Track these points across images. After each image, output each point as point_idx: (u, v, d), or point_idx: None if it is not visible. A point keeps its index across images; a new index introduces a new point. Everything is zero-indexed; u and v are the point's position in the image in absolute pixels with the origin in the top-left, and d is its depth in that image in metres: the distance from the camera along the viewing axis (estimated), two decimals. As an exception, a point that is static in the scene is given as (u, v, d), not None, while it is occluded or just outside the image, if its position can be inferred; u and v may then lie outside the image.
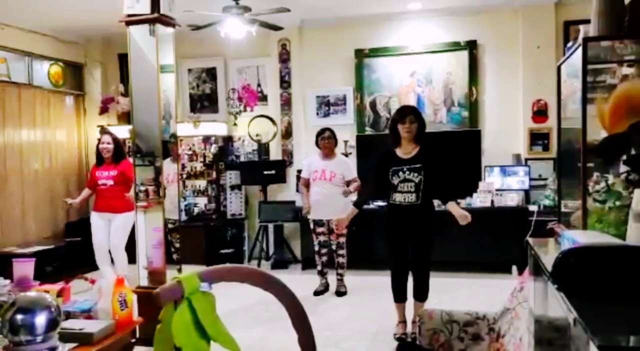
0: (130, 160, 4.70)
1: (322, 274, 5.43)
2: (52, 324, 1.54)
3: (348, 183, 5.28)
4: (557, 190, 2.71)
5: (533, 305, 2.17)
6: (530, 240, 2.14)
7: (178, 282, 1.28)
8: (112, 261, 5.35)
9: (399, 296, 4.05)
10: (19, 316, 1.51)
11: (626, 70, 2.28)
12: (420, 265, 3.97)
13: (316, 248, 5.38)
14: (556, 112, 2.66)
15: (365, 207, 5.87)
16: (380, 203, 6.27)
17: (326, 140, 5.26)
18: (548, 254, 1.81)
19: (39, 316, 1.52)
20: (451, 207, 3.87)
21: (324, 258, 5.37)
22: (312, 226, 5.34)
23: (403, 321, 4.08)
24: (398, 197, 3.88)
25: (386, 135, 6.48)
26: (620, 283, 1.32)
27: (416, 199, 3.85)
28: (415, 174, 3.83)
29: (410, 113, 3.92)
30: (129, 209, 4.90)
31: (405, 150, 3.93)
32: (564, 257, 1.36)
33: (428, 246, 3.93)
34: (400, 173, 3.85)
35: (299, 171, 6.62)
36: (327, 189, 5.22)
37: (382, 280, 4.23)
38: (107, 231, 5.30)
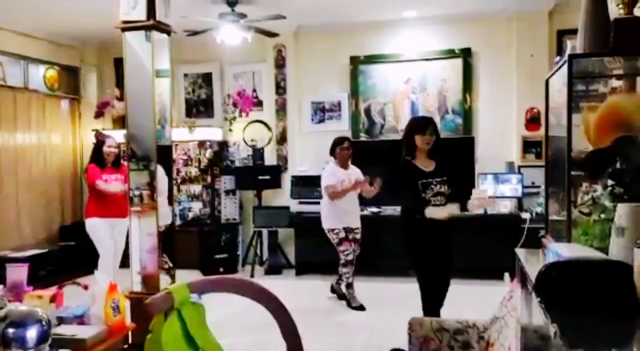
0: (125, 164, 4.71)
1: (352, 287, 5.15)
2: (43, 337, 1.58)
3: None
4: (545, 200, 2.74)
5: (520, 314, 2.20)
6: (519, 251, 2.17)
7: (168, 293, 1.31)
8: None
9: (439, 313, 3.80)
10: (11, 330, 1.56)
11: (613, 83, 2.32)
12: (446, 275, 3.93)
13: (350, 256, 5.07)
14: (544, 124, 2.70)
15: (363, 214, 5.75)
16: (375, 209, 6.31)
17: (346, 150, 5.17)
18: (533, 266, 1.84)
19: (30, 330, 1.56)
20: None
21: (353, 269, 5.12)
22: (343, 234, 5.08)
23: None
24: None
25: (382, 141, 6.61)
26: (601, 297, 1.35)
27: None
28: (445, 187, 3.80)
29: (431, 125, 3.84)
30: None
31: (424, 163, 3.83)
32: (546, 271, 1.39)
33: (452, 256, 3.94)
34: (432, 186, 3.77)
35: (294, 177, 6.66)
36: (354, 198, 5.20)
37: (379, 287, 4.24)
38: (111, 236, 5.27)
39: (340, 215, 5.12)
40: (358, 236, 5.20)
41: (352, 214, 5.18)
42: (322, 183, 5.18)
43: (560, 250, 1.61)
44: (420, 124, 3.88)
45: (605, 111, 1.96)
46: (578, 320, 1.32)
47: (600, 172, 1.90)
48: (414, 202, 3.76)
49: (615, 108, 1.97)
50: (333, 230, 5.11)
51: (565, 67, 2.13)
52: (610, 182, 1.91)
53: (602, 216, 1.84)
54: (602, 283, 1.37)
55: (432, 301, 3.84)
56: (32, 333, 1.55)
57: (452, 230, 3.91)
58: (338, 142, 5.23)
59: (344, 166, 5.22)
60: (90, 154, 5.53)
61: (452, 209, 3.87)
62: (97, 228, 5.22)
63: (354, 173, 5.27)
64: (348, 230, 5.12)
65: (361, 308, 5.05)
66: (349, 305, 5.12)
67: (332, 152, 5.25)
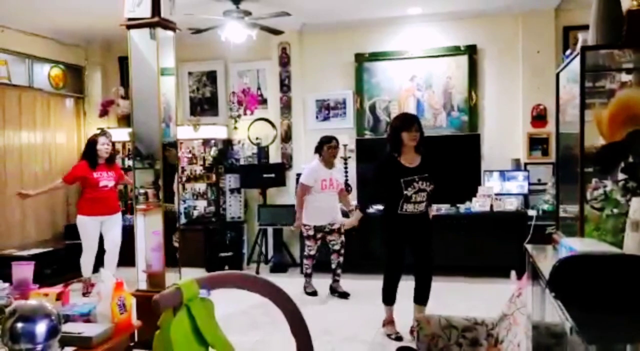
0: (130, 162, 4.77)
1: (310, 277, 5.51)
2: (52, 332, 1.55)
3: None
4: (556, 196, 2.71)
5: (531, 311, 2.18)
6: (529, 246, 2.14)
7: (177, 289, 1.29)
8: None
9: (394, 299, 4.15)
10: (20, 325, 1.52)
11: (625, 77, 2.29)
12: (427, 269, 4.06)
13: (312, 252, 5.37)
14: (555, 119, 2.67)
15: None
16: (379, 206, 6.29)
17: (334, 149, 5.23)
18: (546, 261, 1.81)
19: (40, 325, 1.52)
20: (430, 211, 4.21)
21: (314, 262, 5.45)
22: (311, 232, 5.28)
23: (393, 321, 4.19)
24: (410, 207, 3.92)
25: (386, 139, 6.57)
26: (617, 292, 1.33)
27: (424, 208, 4.00)
28: (427, 183, 3.91)
29: (416, 122, 3.96)
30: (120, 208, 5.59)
31: (409, 160, 3.94)
32: (560, 265, 1.37)
33: (431, 250, 4.08)
34: (415, 184, 3.88)
35: (299, 175, 6.63)
36: (333, 197, 5.29)
37: (380, 285, 4.24)
38: (98, 234, 5.38)
39: (313, 213, 5.23)
40: (335, 226, 5.26)
41: (326, 212, 5.24)
42: (300, 178, 5.34)
43: (573, 245, 1.58)
44: (406, 121, 3.98)
45: (617, 105, 1.93)
46: (593, 315, 1.30)
47: (613, 167, 1.87)
48: (393, 198, 3.91)
49: (627, 102, 1.94)
50: (305, 225, 5.30)
51: (575, 61, 2.10)
52: (622, 176, 1.88)
53: (615, 211, 1.81)
54: (617, 278, 1.35)
55: (388, 292, 4.13)
56: (41, 328, 1.51)
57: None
58: (326, 141, 5.27)
59: (329, 165, 5.26)
60: (82, 151, 5.61)
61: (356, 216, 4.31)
62: (86, 226, 5.36)
63: (337, 172, 5.41)
64: (318, 229, 5.25)
65: (314, 294, 5.38)
66: (305, 290, 5.45)
67: (319, 150, 5.28)
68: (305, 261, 5.48)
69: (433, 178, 3.93)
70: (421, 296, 4.07)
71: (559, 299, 1.33)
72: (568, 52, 2.37)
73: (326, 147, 5.21)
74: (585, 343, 1.10)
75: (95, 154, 5.28)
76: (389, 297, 4.14)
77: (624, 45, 1.94)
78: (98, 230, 5.37)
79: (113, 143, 5.51)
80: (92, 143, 5.38)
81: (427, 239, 4.06)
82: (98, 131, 6.74)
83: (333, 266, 5.36)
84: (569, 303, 1.30)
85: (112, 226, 5.40)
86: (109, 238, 5.39)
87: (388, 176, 3.92)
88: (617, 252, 1.57)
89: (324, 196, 5.21)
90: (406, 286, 4.14)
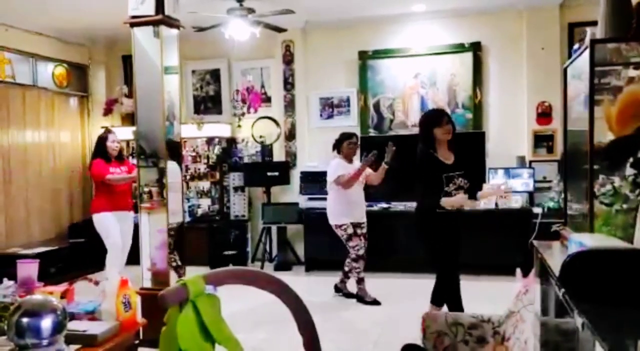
0: (133, 160, 4.76)
1: (364, 282, 5.08)
2: (58, 327, 1.53)
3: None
4: (563, 193, 2.69)
5: (539, 308, 2.16)
6: (536, 242, 2.12)
7: (183, 285, 1.28)
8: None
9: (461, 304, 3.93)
10: (25, 320, 1.50)
11: (633, 72, 2.26)
12: (460, 268, 3.97)
13: (361, 251, 4.98)
14: (562, 115, 2.65)
15: (372, 210, 5.73)
16: (384, 205, 6.27)
17: (354, 145, 5.14)
18: (554, 257, 1.79)
19: (45, 320, 1.50)
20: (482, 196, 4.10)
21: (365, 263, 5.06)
22: (351, 230, 4.98)
23: None
24: None
25: (391, 137, 6.55)
26: (628, 287, 1.31)
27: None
28: (465, 180, 3.82)
29: (445, 115, 3.87)
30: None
31: (446, 156, 3.83)
32: (571, 261, 1.35)
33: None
34: (455, 180, 3.77)
35: (303, 173, 6.62)
36: (361, 191, 5.14)
37: (389, 283, 4.22)
38: (119, 229, 5.29)
39: (347, 209, 5.03)
40: (365, 230, 5.12)
41: (359, 208, 5.11)
42: (329, 177, 5.09)
43: (583, 240, 1.56)
44: (436, 116, 3.91)
45: (626, 99, 1.91)
46: (605, 311, 1.28)
47: (622, 162, 1.85)
48: (435, 196, 3.73)
49: (636, 97, 1.92)
50: (341, 226, 5.01)
51: (584, 55, 2.08)
52: (631, 171, 1.86)
53: (625, 206, 1.79)
54: (629, 273, 1.33)
55: (456, 295, 3.91)
56: (47, 323, 1.49)
57: (463, 225, 3.90)
58: (346, 137, 5.16)
59: (349, 161, 5.17)
60: (93, 150, 5.57)
61: (463, 197, 3.81)
62: (107, 222, 5.24)
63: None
64: (356, 225, 5.03)
65: (375, 302, 4.99)
66: (361, 300, 5.04)
67: (338, 147, 5.18)
68: (355, 264, 4.99)
69: (468, 175, 3.84)
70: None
71: (569, 295, 1.31)
72: (576, 46, 2.34)
73: (346, 143, 5.11)
74: (597, 338, 1.08)
75: (106, 151, 5.29)
76: (457, 302, 3.93)
77: (633, 37, 1.92)
78: (118, 225, 5.25)
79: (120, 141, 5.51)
80: (102, 139, 5.38)
81: (459, 239, 3.94)
82: (102, 129, 6.76)
83: (346, 269, 5.15)
84: (579, 299, 1.28)
85: (129, 225, 5.33)
86: (125, 238, 5.31)
87: (428, 172, 3.78)
88: (628, 246, 1.55)
89: (354, 191, 5.04)
90: (412, 286, 4.12)
